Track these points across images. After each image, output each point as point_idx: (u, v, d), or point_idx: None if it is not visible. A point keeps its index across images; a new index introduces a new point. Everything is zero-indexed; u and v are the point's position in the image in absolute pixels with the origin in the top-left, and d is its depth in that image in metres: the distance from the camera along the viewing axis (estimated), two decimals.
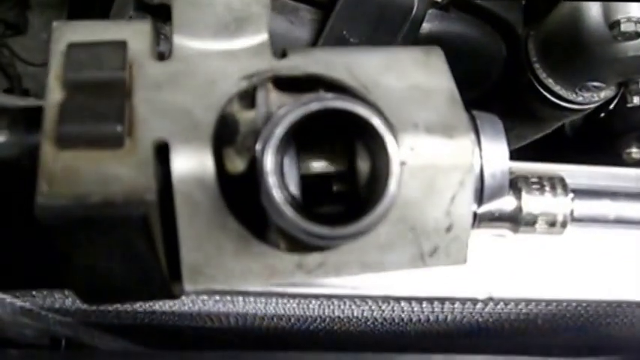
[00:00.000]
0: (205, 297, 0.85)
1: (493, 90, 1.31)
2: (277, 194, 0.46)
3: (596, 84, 1.14)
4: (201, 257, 0.53)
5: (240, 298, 0.83)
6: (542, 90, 1.20)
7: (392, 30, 1.10)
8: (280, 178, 0.47)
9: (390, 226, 0.53)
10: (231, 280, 0.53)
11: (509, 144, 0.59)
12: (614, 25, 0.98)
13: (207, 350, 0.94)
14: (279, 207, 0.46)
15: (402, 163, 0.51)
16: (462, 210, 0.55)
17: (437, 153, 0.53)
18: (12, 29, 1.45)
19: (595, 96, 1.19)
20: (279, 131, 0.45)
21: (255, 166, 0.48)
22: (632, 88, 1.15)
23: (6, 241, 0.70)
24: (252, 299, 0.83)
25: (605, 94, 1.19)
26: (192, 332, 1.12)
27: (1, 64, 1.48)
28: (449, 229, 0.55)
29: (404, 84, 0.56)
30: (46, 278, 0.76)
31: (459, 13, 1.21)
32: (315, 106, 0.45)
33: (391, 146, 0.46)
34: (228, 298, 0.84)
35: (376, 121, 0.46)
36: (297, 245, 0.52)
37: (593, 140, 1.44)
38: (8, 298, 0.88)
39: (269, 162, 0.45)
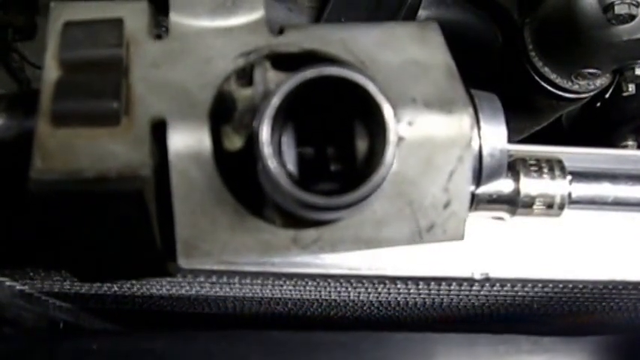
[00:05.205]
0: (202, 279, 0.85)
1: (489, 80, 1.31)
2: (273, 164, 0.46)
3: (591, 71, 1.14)
4: (196, 232, 0.53)
5: (237, 279, 0.83)
6: (538, 79, 1.20)
7: (389, 17, 1.11)
8: (277, 150, 0.47)
9: (386, 202, 0.53)
10: (226, 255, 0.53)
11: (507, 123, 0.59)
12: (608, 7, 0.99)
13: (204, 331, 0.94)
14: (274, 177, 0.46)
15: (401, 138, 0.51)
16: (460, 186, 0.54)
17: (435, 128, 0.53)
18: (21, 33, 1.45)
19: (591, 84, 1.19)
20: (276, 101, 0.45)
21: (252, 142, 0.48)
22: (628, 75, 1.15)
23: (3, 221, 0.70)
24: (248, 280, 0.83)
25: (601, 81, 1.19)
26: (191, 318, 1.12)
27: (11, 68, 1.49)
28: (446, 205, 0.55)
29: (401, 59, 0.55)
30: (42, 258, 0.77)
31: (455, 0, 1.22)
32: (311, 74, 0.45)
33: (388, 113, 0.46)
34: (225, 279, 0.84)
35: (372, 88, 0.45)
36: (293, 220, 0.52)
37: (589, 133, 1.44)
38: (7, 281, 0.88)
39: (265, 132, 0.45)
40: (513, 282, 0.83)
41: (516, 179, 0.71)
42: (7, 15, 1.41)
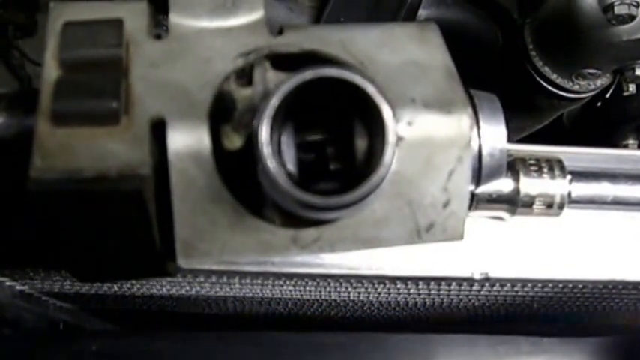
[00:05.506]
0: (202, 279, 0.85)
1: (489, 80, 1.31)
2: (272, 164, 0.46)
3: (591, 71, 1.14)
4: (196, 232, 0.53)
5: (237, 279, 0.83)
6: (539, 79, 1.20)
7: (389, 17, 1.11)
8: (276, 150, 0.47)
9: (386, 201, 0.53)
10: (225, 255, 0.54)
11: (507, 123, 0.59)
12: (607, 8, 0.99)
13: (204, 331, 0.94)
14: (273, 177, 0.46)
15: (400, 139, 0.51)
16: (459, 186, 0.55)
17: (435, 128, 0.53)
18: (22, 31, 1.45)
19: (591, 84, 1.19)
20: (275, 101, 0.45)
21: (251, 142, 0.48)
22: (628, 75, 1.14)
23: (3, 221, 0.70)
24: (248, 280, 0.83)
25: (602, 81, 1.19)
26: (191, 318, 1.12)
27: (12, 65, 1.49)
28: (446, 204, 0.55)
29: (400, 59, 0.56)
30: (42, 258, 0.77)
31: (455, 0, 1.22)
32: (309, 75, 0.45)
33: (387, 114, 0.46)
34: (225, 279, 0.84)
35: (371, 89, 0.46)
36: (292, 220, 0.52)
37: (590, 132, 1.44)
38: (7, 281, 0.88)
39: (264, 132, 0.46)
40: (513, 282, 0.83)
41: (516, 179, 0.71)
42: (8, 12, 1.41)
